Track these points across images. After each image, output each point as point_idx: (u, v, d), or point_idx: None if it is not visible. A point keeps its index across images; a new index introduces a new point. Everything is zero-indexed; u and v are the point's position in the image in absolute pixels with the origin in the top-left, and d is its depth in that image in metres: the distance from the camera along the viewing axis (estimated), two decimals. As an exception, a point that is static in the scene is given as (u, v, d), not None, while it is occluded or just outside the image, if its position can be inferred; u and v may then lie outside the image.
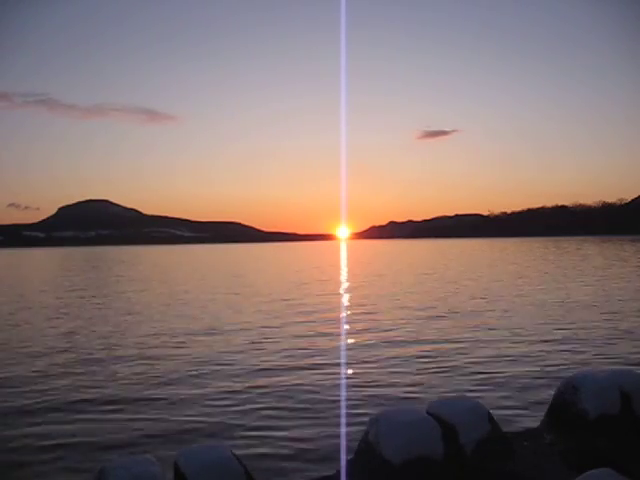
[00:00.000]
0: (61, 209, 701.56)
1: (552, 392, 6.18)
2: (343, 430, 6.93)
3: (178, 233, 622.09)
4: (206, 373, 10.33)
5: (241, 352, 12.21)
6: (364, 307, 19.87)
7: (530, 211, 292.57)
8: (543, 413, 6.13)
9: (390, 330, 14.69)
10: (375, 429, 4.81)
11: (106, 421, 7.71)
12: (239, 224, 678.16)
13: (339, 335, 14.28)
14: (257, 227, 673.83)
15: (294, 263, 62.99)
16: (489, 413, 5.15)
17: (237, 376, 10.07)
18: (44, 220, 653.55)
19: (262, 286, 30.09)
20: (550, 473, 4.80)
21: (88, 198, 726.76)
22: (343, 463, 5.15)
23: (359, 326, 15.56)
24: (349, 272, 43.48)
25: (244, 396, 8.76)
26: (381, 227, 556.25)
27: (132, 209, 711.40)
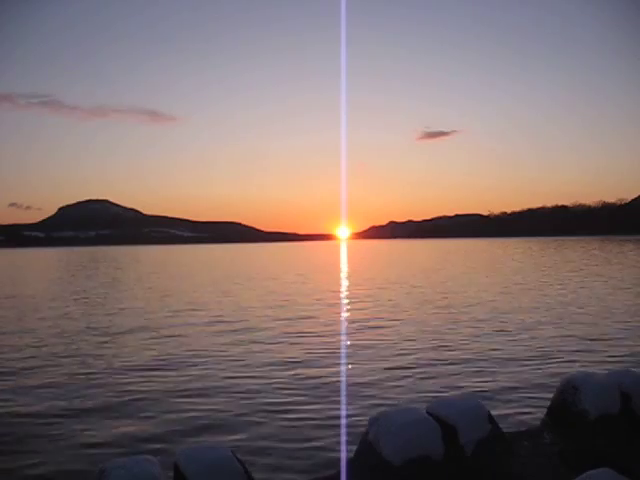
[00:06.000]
0: (61, 209, 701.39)
1: (552, 392, 6.18)
2: (343, 430, 6.93)
3: (178, 233, 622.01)
4: (206, 372, 10.33)
5: (240, 351, 12.22)
6: (366, 307, 19.88)
7: (530, 211, 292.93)
8: (543, 413, 6.13)
9: (390, 330, 14.69)
10: (375, 429, 4.80)
11: (106, 421, 7.71)
12: (239, 224, 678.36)
13: (339, 334, 14.28)
14: (257, 227, 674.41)
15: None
16: (489, 413, 5.15)
17: (236, 375, 10.07)
18: (44, 220, 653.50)
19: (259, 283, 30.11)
20: (550, 473, 4.80)
21: (88, 198, 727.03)
22: (343, 463, 5.15)
23: (360, 326, 15.56)
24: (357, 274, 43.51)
25: (244, 395, 8.76)
26: (381, 227, 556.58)
27: (132, 209, 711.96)
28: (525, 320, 15.81)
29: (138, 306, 21.36)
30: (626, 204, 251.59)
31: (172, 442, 6.72)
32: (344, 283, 31.84)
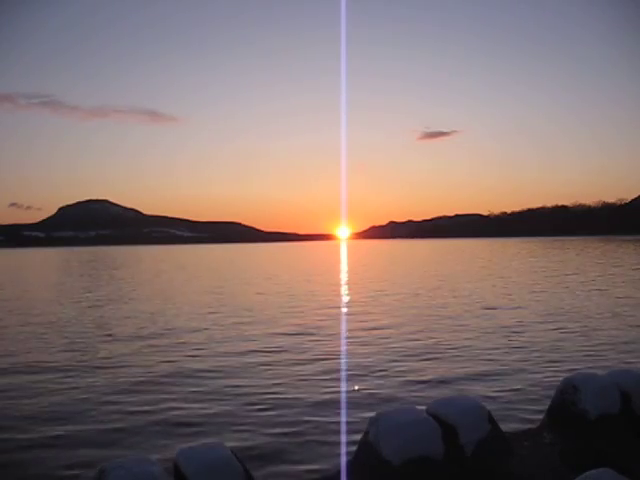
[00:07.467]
0: (61, 209, 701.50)
1: (552, 392, 6.18)
2: (343, 430, 6.93)
3: (178, 233, 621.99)
4: (206, 372, 10.33)
5: (240, 350, 12.22)
6: (366, 307, 19.87)
7: (530, 211, 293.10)
8: (543, 413, 6.13)
9: (390, 330, 14.68)
10: (375, 429, 4.80)
11: (106, 421, 7.71)
12: (239, 224, 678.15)
13: (339, 334, 14.28)
14: (257, 227, 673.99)
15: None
16: (489, 413, 5.14)
17: (237, 375, 10.07)
18: (44, 220, 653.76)
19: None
20: (550, 473, 4.80)
21: (88, 198, 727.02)
22: (343, 463, 5.15)
23: (360, 325, 15.56)
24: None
25: (243, 395, 8.76)
26: (381, 227, 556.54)
27: (132, 209, 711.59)
28: (524, 320, 15.80)
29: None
30: (626, 204, 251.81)
31: (172, 442, 6.72)
32: (344, 283, 31.84)
